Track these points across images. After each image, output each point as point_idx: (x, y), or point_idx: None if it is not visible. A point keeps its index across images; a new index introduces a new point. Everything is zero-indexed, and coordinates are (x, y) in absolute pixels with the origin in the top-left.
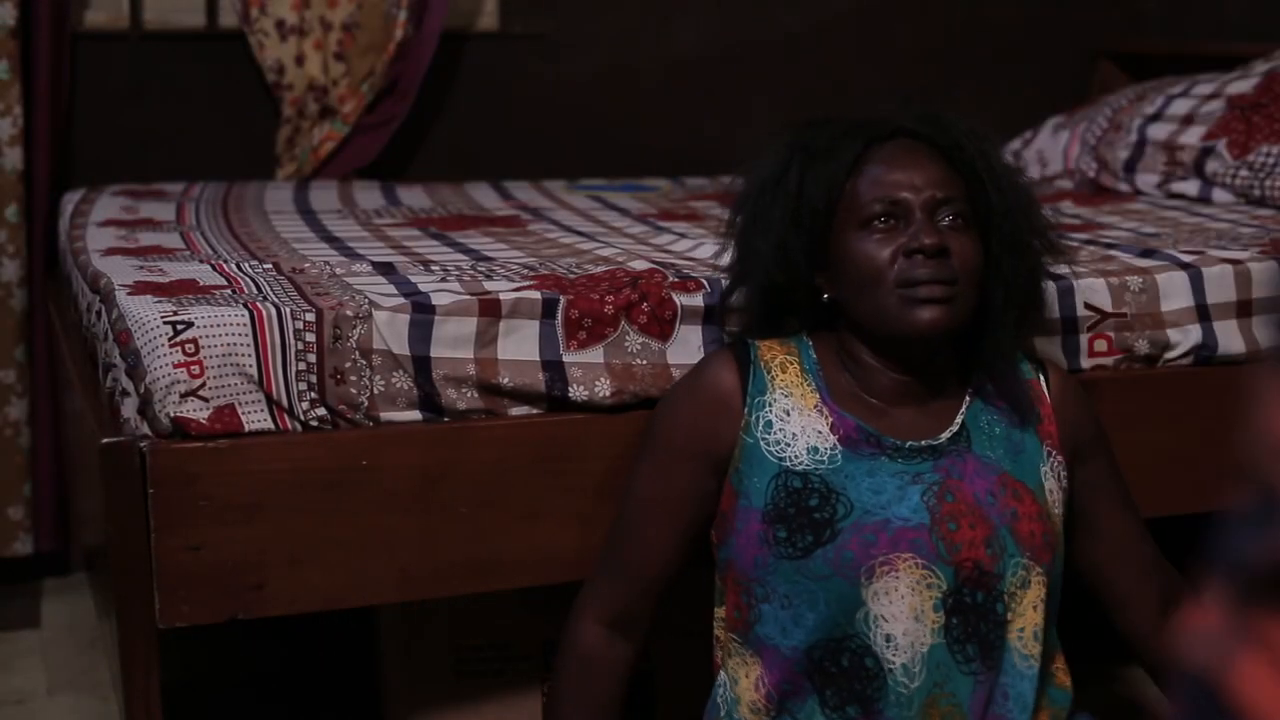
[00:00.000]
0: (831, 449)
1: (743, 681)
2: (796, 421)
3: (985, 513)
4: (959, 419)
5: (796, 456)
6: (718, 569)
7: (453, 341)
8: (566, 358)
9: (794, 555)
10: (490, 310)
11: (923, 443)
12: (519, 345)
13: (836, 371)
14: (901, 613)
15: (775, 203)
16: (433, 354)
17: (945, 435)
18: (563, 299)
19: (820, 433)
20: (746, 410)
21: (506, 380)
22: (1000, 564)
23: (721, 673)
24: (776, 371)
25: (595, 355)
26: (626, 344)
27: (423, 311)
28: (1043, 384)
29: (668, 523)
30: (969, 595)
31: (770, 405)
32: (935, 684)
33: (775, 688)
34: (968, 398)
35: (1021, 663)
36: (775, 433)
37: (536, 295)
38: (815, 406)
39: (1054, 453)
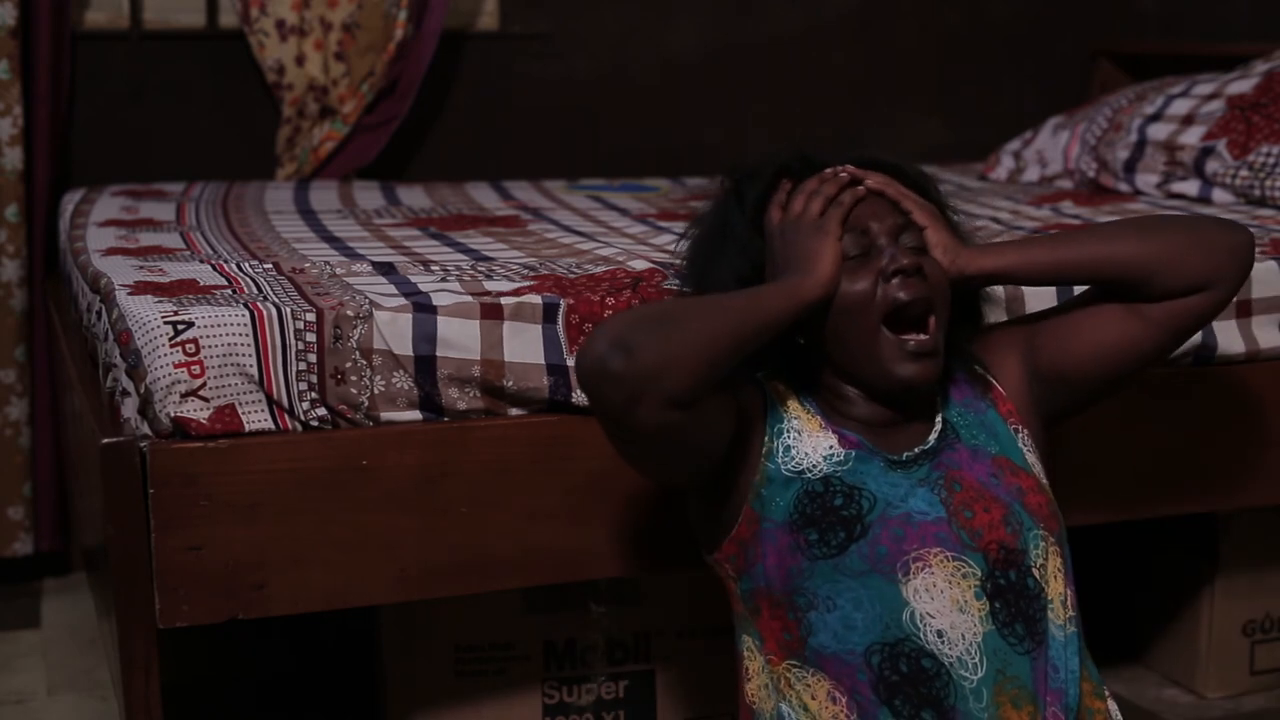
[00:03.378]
0: (845, 454)
1: (812, 705)
2: (808, 441)
3: (994, 494)
4: (939, 418)
5: (814, 466)
6: (744, 608)
7: (458, 343)
8: (570, 362)
9: (829, 554)
10: (492, 313)
11: (915, 450)
12: (524, 348)
13: (825, 404)
14: (945, 607)
15: (727, 259)
16: (438, 354)
17: (933, 437)
18: (563, 303)
19: (831, 445)
20: (767, 438)
21: (511, 383)
22: (1022, 539)
23: (782, 706)
24: (783, 401)
25: None
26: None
27: (424, 312)
28: (979, 367)
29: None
30: (1002, 577)
31: (785, 432)
32: (998, 670)
33: (849, 694)
34: (939, 398)
35: (1059, 633)
36: (792, 454)
37: (537, 300)
38: (820, 427)
39: (1019, 427)
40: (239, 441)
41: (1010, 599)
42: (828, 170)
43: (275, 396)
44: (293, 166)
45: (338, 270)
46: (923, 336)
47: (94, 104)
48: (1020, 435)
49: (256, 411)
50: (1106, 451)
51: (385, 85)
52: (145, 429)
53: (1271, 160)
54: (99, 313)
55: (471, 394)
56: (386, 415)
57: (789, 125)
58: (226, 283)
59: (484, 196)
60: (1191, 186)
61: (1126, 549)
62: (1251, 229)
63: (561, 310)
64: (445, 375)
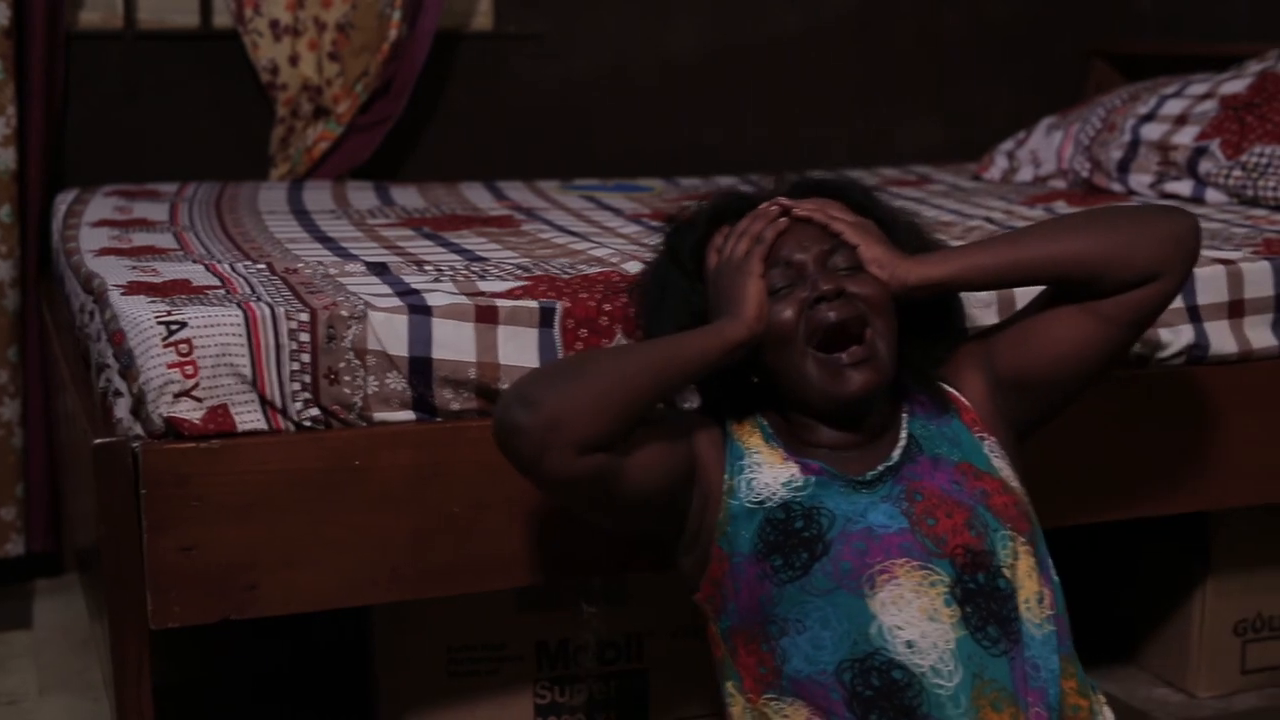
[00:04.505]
0: (805, 480)
1: None
2: (768, 472)
3: (957, 499)
4: (904, 434)
5: (774, 494)
6: (724, 650)
7: (453, 344)
8: None
9: (795, 577)
10: (488, 317)
11: (880, 469)
12: (520, 351)
13: (788, 436)
14: (914, 617)
15: (668, 309)
16: (434, 356)
17: (896, 453)
18: (559, 306)
19: (792, 474)
20: (728, 475)
21: (507, 385)
22: (989, 540)
23: None
24: (744, 439)
25: None
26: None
27: (419, 313)
28: (941, 381)
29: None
30: (971, 580)
31: (746, 468)
32: (974, 675)
33: (825, 716)
34: (905, 414)
35: (1036, 631)
36: (753, 487)
37: (534, 305)
38: (783, 459)
39: (985, 435)
40: (232, 442)
41: (981, 602)
42: (761, 206)
43: (268, 397)
44: (286, 166)
45: (331, 270)
46: (855, 348)
47: (88, 104)
48: (986, 442)
49: (249, 412)
50: (1099, 451)
51: (379, 85)
52: (138, 429)
53: (1264, 161)
54: (92, 313)
55: (465, 395)
56: (380, 416)
57: (785, 126)
58: (220, 283)
59: (478, 197)
60: (1185, 186)
61: (1118, 548)
62: (1244, 229)
63: (558, 314)
64: (440, 377)
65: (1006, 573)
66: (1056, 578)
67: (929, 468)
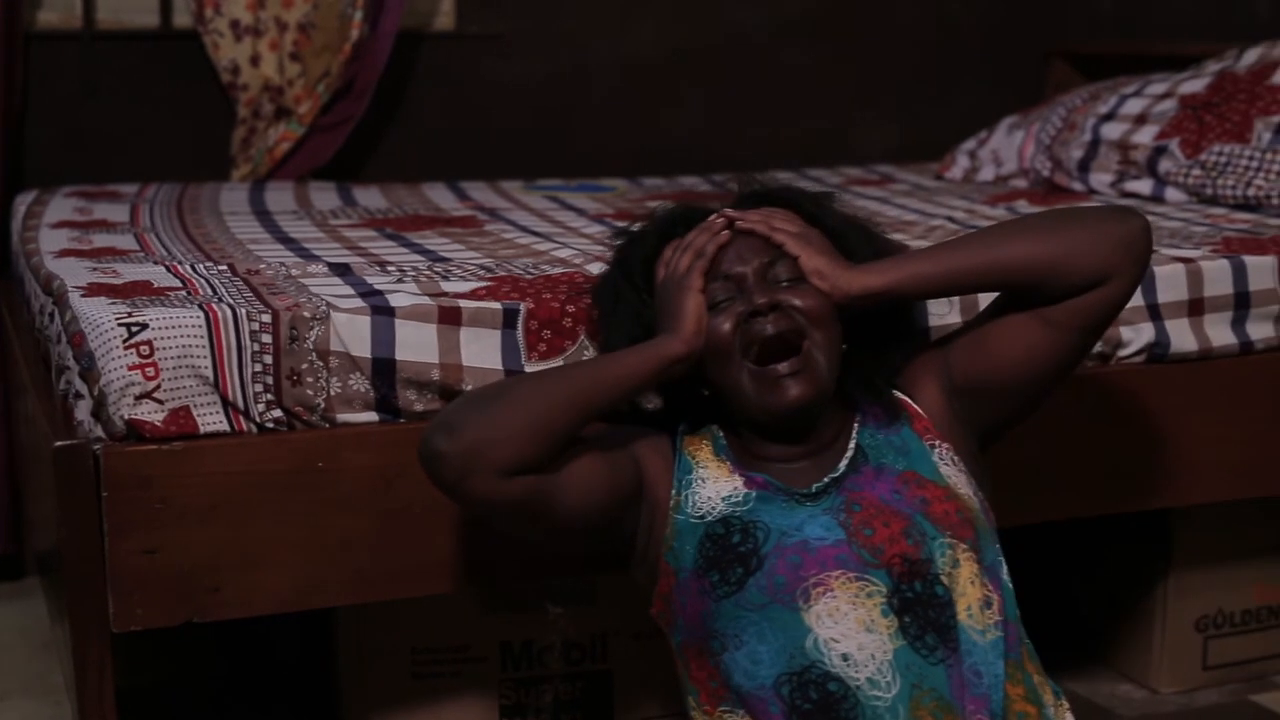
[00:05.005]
0: (746, 494)
1: None
2: (712, 487)
3: (895, 508)
4: (852, 444)
5: (714, 509)
6: (680, 664)
7: (416, 345)
8: (529, 368)
9: (731, 592)
10: (450, 318)
11: (825, 480)
12: (483, 352)
13: (740, 449)
14: (851, 629)
15: (620, 322)
16: (397, 357)
17: (843, 464)
18: (522, 307)
19: (735, 488)
20: (675, 490)
21: (470, 386)
22: (926, 548)
23: None
24: (694, 453)
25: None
26: (585, 357)
27: (382, 314)
28: (895, 389)
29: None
30: (909, 589)
31: (692, 483)
32: (913, 685)
33: None
34: (856, 424)
35: (979, 637)
36: (697, 502)
37: (497, 306)
38: (729, 472)
39: (938, 443)
40: (194, 444)
41: (919, 611)
42: (709, 219)
43: (230, 398)
44: (248, 167)
45: (293, 271)
46: (790, 359)
47: (47, 105)
48: (937, 449)
49: (211, 413)
50: (1061, 449)
51: (341, 86)
52: (99, 432)
53: (1223, 160)
54: (52, 315)
55: (429, 396)
56: (343, 417)
57: (747, 126)
58: (181, 284)
59: (441, 197)
60: (1145, 185)
61: (1081, 546)
62: (1203, 227)
63: (521, 315)
64: (404, 378)
65: (944, 580)
66: (1010, 583)
67: (871, 478)
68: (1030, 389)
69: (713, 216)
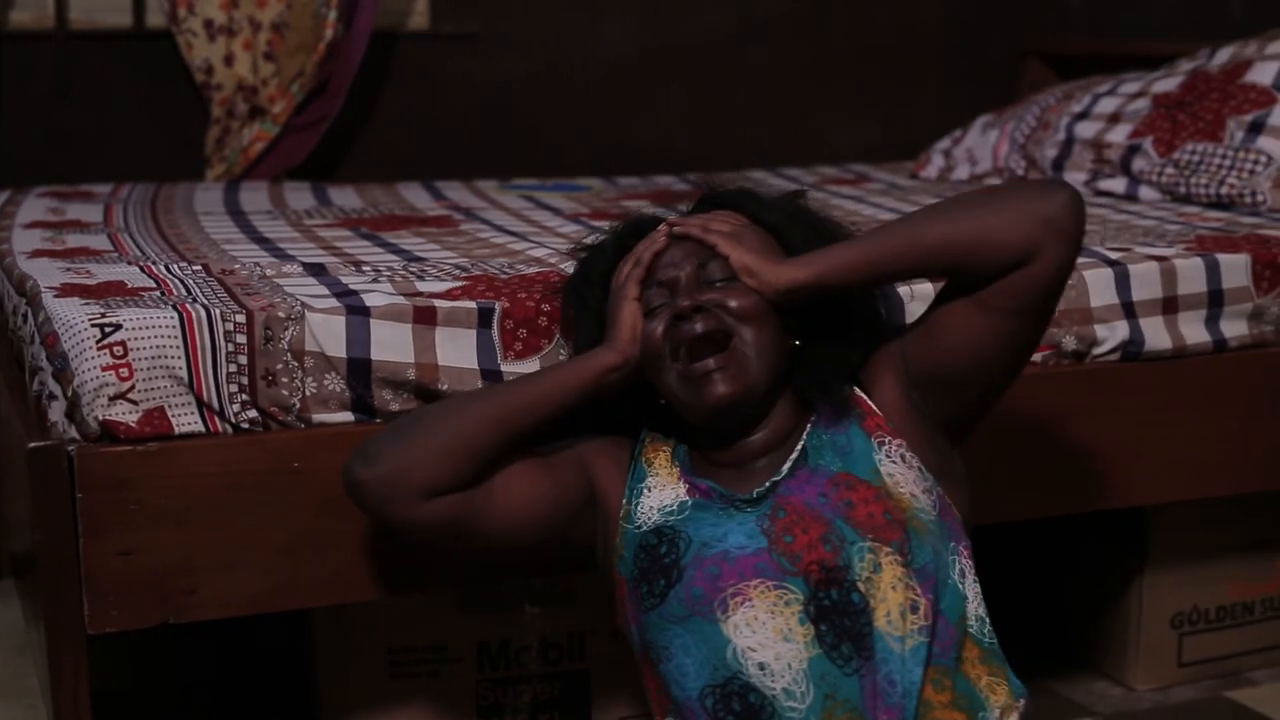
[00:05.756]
0: (681, 503)
1: None
2: (656, 495)
3: (818, 514)
4: (799, 446)
5: (650, 519)
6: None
7: (391, 345)
8: (504, 367)
9: (655, 604)
10: (426, 318)
11: (767, 484)
12: (458, 352)
13: (698, 457)
14: (769, 638)
15: (585, 329)
16: (373, 357)
17: (786, 467)
18: (498, 306)
19: (676, 495)
20: (626, 499)
21: (445, 386)
22: (843, 554)
23: None
24: (651, 461)
25: (532, 366)
26: (561, 357)
27: (357, 314)
28: (857, 389)
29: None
30: (825, 597)
31: (641, 491)
32: (826, 695)
33: None
34: (809, 425)
35: (896, 645)
36: (642, 512)
37: (472, 305)
38: (677, 479)
39: (887, 439)
40: (169, 444)
41: (835, 619)
42: (656, 229)
43: (205, 399)
44: (222, 167)
45: (268, 271)
46: (715, 357)
47: (19, 105)
48: (886, 446)
49: (186, 414)
50: (1036, 447)
51: (315, 85)
52: (73, 432)
53: (1196, 158)
54: (25, 315)
55: (404, 396)
56: (318, 417)
57: (722, 125)
58: (155, 284)
59: (416, 197)
60: (1119, 184)
61: (1056, 543)
62: (1177, 226)
63: (497, 314)
64: (379, 378)
65: (861, 587)
66: (963, 583)
67: (804, 481)
68: (980, 376)
69: (661, 226)
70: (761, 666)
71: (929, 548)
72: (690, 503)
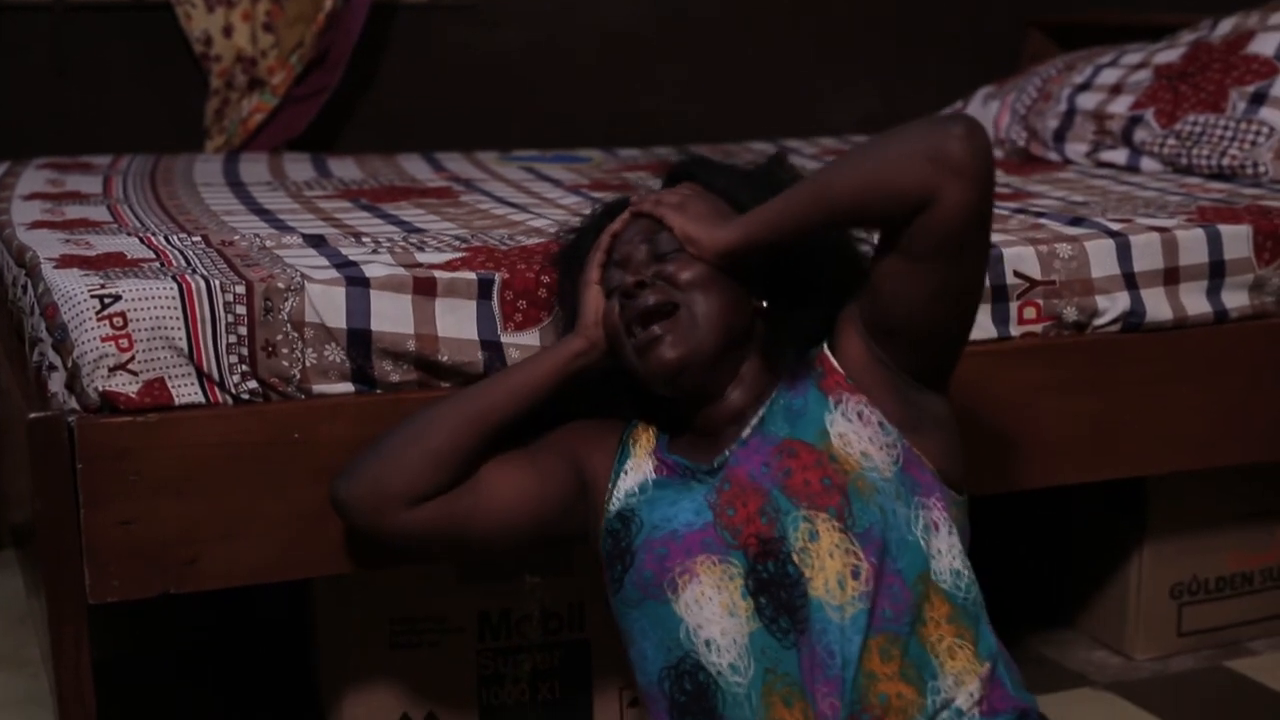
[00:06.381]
0: (643, 484)
1: None
2: (629, 479)
3: (758, 485)
4: (760, 413)
5: (616, 503)
6: None
7: (392, 316)
8: (504, 339)
9: (616, 590)
10: (425, 288)
11: (725, 453)
12: (458, 324)
13: (676, 435)
14: (715, 614)
15: (569, 318)
16: (373, 328)
17: (745, 434)
18: (498, 278)
19: (644, 477)
20: (611, 483)
21: (445, 357)
22: (779, 526)
23: None
24: (635, 443)
25: (531, 338)
26: (561, 329)
27: (357, 285)
28: (825, 348)
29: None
30: (764, 570)
31: (623, 474)
32: (766, 670)
33: None
34: (775, 391)
35: (835, 614)
36: (618, 496)
37: (472, 276)
38: (650, 454)
39: (845, 397)
40: (169, 415)
41: (774, 591)
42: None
43: (205, 370)
44: (222, 139)
45: (268, 243)
46: (661, 323)
47: (18, 77)
48: (842, 405)
49: (186, 385)
50: (1036, 418)
51: (315, 56)
52: (73, 403)
53: (1198, 129)
54: (24, 287)
55: (405, 367)
56: (318, 388)
57: (722, 96)
58: (154, 255)
59: (416, 168)
60: (1120, 155)
61: (1057, 514)
62: (1178, 197)
63: (497, 285)
64: (379, 349)
65: (797, 558)
66: (928, 542)
67: (754, 450)
68: (925, 323)
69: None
70: (708, 644)
71: (875, 508)
72: (652, 482)
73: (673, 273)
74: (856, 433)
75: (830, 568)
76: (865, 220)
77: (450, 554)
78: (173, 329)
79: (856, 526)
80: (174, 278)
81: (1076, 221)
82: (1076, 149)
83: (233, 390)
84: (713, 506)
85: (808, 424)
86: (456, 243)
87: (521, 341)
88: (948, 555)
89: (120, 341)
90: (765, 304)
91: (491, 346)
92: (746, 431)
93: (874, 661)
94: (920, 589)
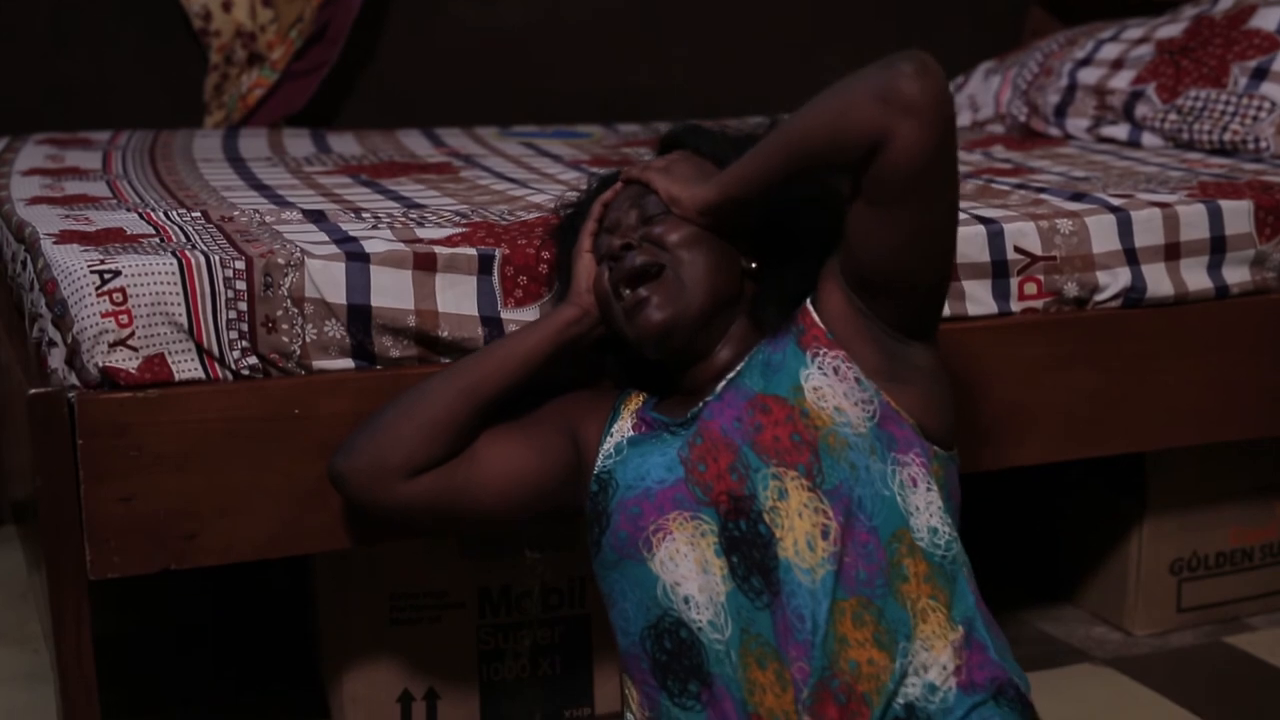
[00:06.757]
0: (618, 444)
1: (633, 705)
2: (612, 441)
3: (729, 439)
4: (739, 366)
5: (598, 466)
6: None
7: (392, 292)
8: (504, 314)
9: (595, 553)
10: (426, 264)
11: (700, 405)
12: (459, 300)
13: (663, 397)
14: (691, 571)
15: (564, 290)
16: (373, 303)
17: (719, 387)
18: (498, 253)
19: (622, 437)
20: (601, 450)
21: (445, 333)
22: (749, 483)
23: (627, 715)
24: (625, 408)
25: (531, 314)
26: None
27: (357, 260)
28: (809, 304)
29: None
30: (735, 528)
31: (608, 438)
32: (742, 629)
33: (646, 696)
34: (757, 347)
35: (803, 577)
36: (601, 459)
37: (472, 252)
38: (633, 413)
39: (822, 351)
40: (169, 391)
41: (745, 551)
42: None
43: (205, 345)
44: (221, 114)
45: (267, 218)
46: (647, 285)
47: (17, 52)
48: (819, 359)
49: (186, 361)
50: (1037, 392)
51: (314, 31)
52: (73, 379)
53: (1199, 104)
54: (24, 262)
55: (405, 343)
56: (319, 364)
57: (722, 71)
58: (154, 231)
59: (415, 143)
60: (1121, 130)
61: (1057, 489)
62: (1179, 172)
63: (497, 261)
64: (379, 324)
65: (767, 517)
66: (904, 499)
67: (728, 404)
68: (897, 271)
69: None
70: (687, 600)
71: (845, 465)
72: (627, 440)
73: (660, 234)
74: (831, 387)
75: (799, 528)
76: (826, 166)
77: (450, 526)
78: (172, 305)
79: (826, 484)
80: (174, 253)
81: (1078, 197)
82: (1078, 124)
83: (233, 366)
84: (684, 461)
85: (783, 378)
86: (456, 218)
87: (521, 317)
88: (925, 512)
89: (120, 317)
90: (755, 264)
91: (492, 323)
92: (722, 384)
93: (846, 625)
94: (895, 547)
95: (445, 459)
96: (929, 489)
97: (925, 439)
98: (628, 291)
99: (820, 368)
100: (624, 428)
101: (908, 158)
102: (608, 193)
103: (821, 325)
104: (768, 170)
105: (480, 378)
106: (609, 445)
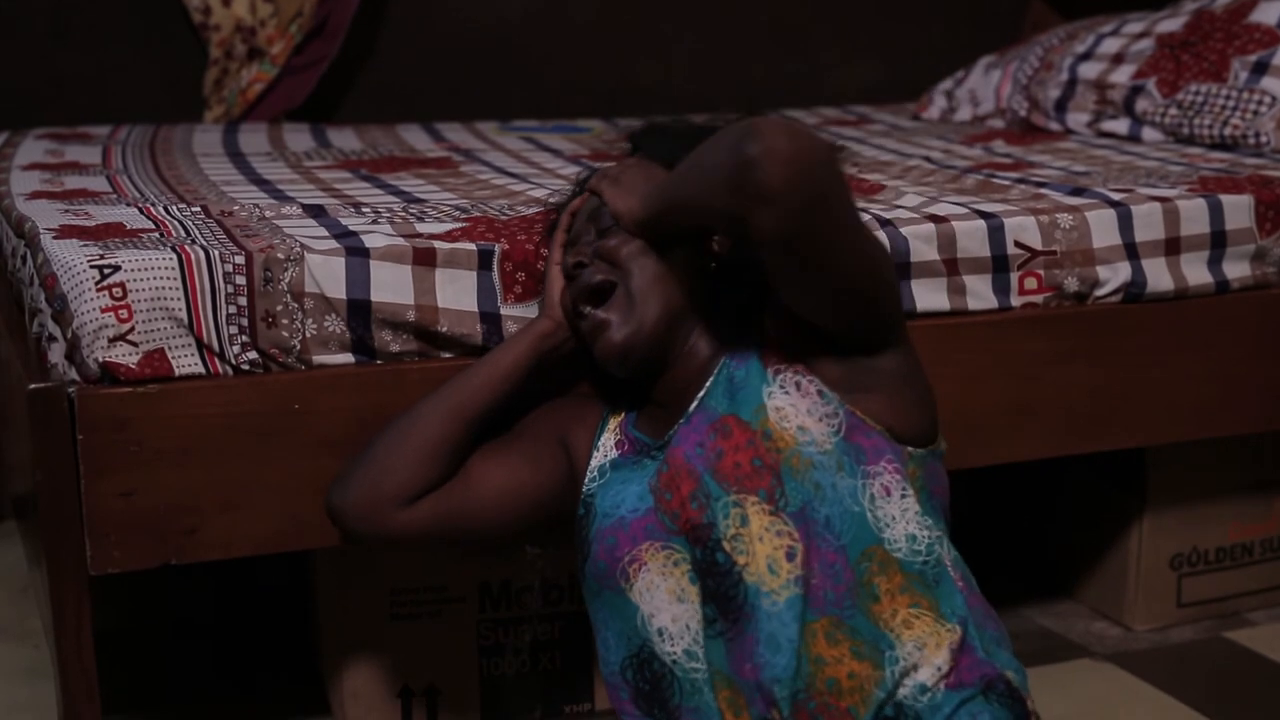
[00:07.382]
0: (601, 466)
1: None
2: (597, 459)
3: (691, 467)
4: (706, 384)
5: (585, 486)
6: None
7: (392, 286)
8: (504, 309)
9: (582, 580)
10: (425, 259)
11: (675, 428)
12: (458, 295)
13: (644, 403)
14: (664, 601)
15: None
16: (373, 298)
17: (692, 407)
18: (497, 248)
19: (605, 458)
20: (588, 463)
21: (445, 328)
22: (709, 512)
23: None
24: (613, 415)
25: (530, 310)
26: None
27: (357, 255)
28: (767, 316)
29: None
30: (700, 555)
31: (595, 452)
32: (709, 657)
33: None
34: (722, 360)
35: (768, 600)
36: (588, 478)
37: (472, 247)
38: (617, 427)
39: (783, 368)
40: (169, 386)
41: (708, 580)
42: None
43: (205, 340)
44: (221, 109)
45: (267, 213)
46: (601, 307)
47: (16, 46)
48: (781, 375)
49: (186, 355)
50: (1037, 387)
51: (314, 26)
52: (73, 374)
53: (1200, 99)
54: (24, 257)
55: (405, 338)
56: (319, 358)
57: (723, 65)
58: (154, 226)
59: (415, 138)
60: (1121, 125)
61: (1056, 484)
62: (1180, 167)
63: (496, 256)
64: (379, 319)
65: (728, 545)
66: (874, 512)
67: (694, 427)
68: (826, 321)
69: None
70: (660, 632)
71: (809, 485)
72: (610, 463)
73: (612, 248)
74: (794, 405)
75: (761, 552)
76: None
77: (452, 548)
78: (172, 300)
79: (789, 506)
80: (173, 248)
81: (1078, 191)
82: (1078, 119)
83: (233, 361)
84: (654, 490)
85: (746, 398)
86: (456, 213)
87: (521, 313)
88: (901, 521)
89: (120, 312)
90: (715, 265)
91: (491, 319)
92: (692, 406)
93: (820, 645)
94: (865, 566)
95: (440, 482)
96: (904, 495)
97: (897, 442)
98: (588, 309)
99: (782, 385)
100: (609, 445)
101: (770, 243)
102: (576, 200)
103: (778, 339)
104: (666, 212)
105: (467, 396)
106: (594, 465)
